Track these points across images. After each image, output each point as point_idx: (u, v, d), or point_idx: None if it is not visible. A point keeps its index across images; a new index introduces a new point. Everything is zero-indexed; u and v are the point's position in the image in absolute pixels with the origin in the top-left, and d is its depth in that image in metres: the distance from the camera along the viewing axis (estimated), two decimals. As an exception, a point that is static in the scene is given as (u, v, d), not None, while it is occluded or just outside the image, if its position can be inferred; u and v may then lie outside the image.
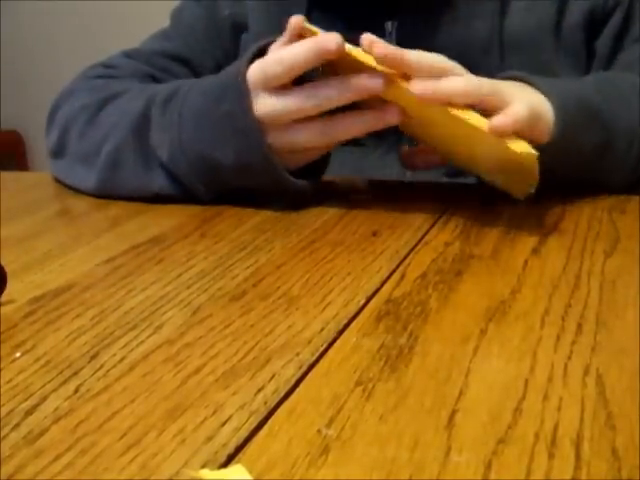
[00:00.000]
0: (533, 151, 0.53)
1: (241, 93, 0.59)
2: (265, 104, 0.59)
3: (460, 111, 0.54)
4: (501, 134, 0.53)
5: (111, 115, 0.68)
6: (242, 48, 0.83)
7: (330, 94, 0.58)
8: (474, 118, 0.54)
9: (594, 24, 0.75)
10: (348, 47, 0.56)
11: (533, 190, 0.57)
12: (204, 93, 0.63)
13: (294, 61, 0.58)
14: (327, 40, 0.56)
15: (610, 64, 0.75)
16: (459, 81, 0.55)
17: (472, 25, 0.75)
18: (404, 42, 0.75)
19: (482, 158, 0.61)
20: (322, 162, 0.66)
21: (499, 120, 0.53)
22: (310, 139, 0.60)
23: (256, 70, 0.60)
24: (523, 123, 0.54)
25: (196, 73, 0.83)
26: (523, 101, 0.56)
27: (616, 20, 0.75)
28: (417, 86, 0.54)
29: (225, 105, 0.60)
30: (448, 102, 0.54)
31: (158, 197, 0.67)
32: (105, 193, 0.70)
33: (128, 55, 0.84)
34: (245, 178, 0.63)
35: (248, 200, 0.64)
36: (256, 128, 0.59)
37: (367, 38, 0.55)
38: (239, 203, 0.65)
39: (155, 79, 0.81)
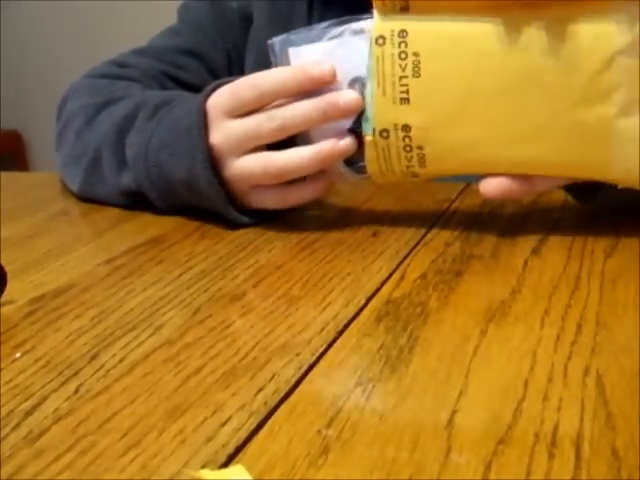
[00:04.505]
0: None
1: (199, 127, 0.57)
2: (225, 131, 0.56)
3: None
4: None
5: (106, 119, 0.68)
6: (250, 40, 0.83)
7: (297, 114, 0.54)
8: None
9: None
10: None
11: None
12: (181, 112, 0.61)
13: (269, 87, 0.54)
14: (310, 68, 0.53)
15: None
16: None
17: None
18: None
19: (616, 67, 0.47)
20: None
21: None
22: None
23: (226, 95, 0.56)
24: None
25: (209, 67, 0.83)
26: None
27: None
28: None
29: (185, 137, 0.58)
30: None
31: (128, 206, 0.66)
32: (86, 194, 0.69)
33: (139, 53, 0.83)
34: (195, 196, 0.60)
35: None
36: (207, 162, 0.56)
37: None
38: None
39: (168, 76, 0.81)
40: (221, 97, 0.57)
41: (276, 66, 0.57)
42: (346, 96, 0.53)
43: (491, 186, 0.52)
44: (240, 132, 0.56)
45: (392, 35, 0.50)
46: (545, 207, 0.62)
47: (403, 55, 0.50)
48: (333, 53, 0.54)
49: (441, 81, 0.51)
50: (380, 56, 0.51)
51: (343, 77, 0.54)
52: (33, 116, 2.61)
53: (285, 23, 0.82)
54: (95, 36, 2.42)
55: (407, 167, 0.54)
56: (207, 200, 0.59)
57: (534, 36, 0.48)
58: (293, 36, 0.56)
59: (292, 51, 0.55)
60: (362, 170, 0.56)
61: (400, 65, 0.51)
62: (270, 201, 0.59)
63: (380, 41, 0.51)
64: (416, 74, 0.51)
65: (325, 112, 0.54)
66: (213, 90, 0.58)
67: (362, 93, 0.53)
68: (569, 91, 0.49)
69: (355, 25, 0.54)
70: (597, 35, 0.47)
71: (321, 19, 0.81)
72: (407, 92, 0.51)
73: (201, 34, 0.84)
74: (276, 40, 0.56)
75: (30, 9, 2.52)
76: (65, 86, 0.80)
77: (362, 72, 0.53)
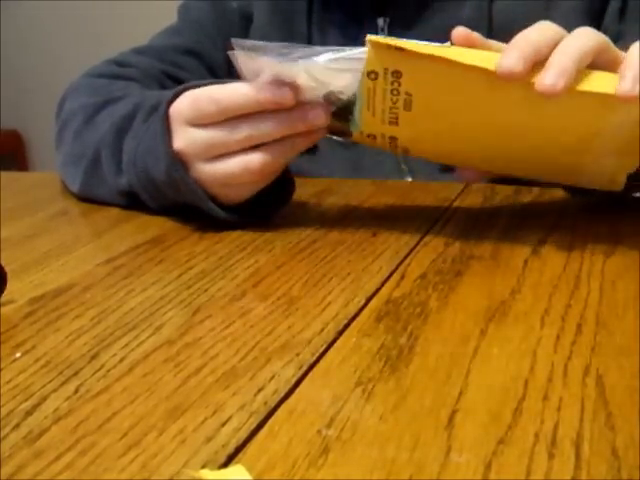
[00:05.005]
0: None
1: (162, 132, 0.56)
2: (188, 138, 0.55)
3: (582, 85, 0.47)
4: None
5: (105, 119, 0.68)
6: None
7: (263, 127, 0.54)
8: (598, 85, 0.47)
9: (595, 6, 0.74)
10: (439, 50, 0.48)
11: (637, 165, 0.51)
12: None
13: (230, 104, 0.53)
14: (273, 90, 0.52)
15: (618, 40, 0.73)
16: (573, 48, 0.47)
17: (461, 9, 0.75)
18: (396, 36, 0.76)
19: (600, 138, 0.50)
20: (289, 188, 0.61)
21: (627, 81, 0.45)
22: (234, 172, 0.55)
23: (185, 105, 0.56)
24: None
25: (209, 67, 0.83)
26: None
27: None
28: (546, 83, 0.45)
29: (158, 140, 0.58)
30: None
31: (128, 205, 0.65)
32: (86, 194, 0.69)
33: (139, 52, 0.83)
34: (178, 195, 0.59)
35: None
36: (178, 164, 0.56)
37: (462, 33, 0.48)
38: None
39: (168, 75, 0.81)
40: (182, 106, 0.56)
41: (241, 74, 0.55)
42: (314, 112, 0.53)
43: (469, 173, 0.58)
44: (204, 141, 0.55)
45: (385, 73, 0.50)
46: (545, 207, 0.62)
47: (395, 92, 0.50)
48: (309, 70, 0.52)
49: (431, 116, 0.52)
50: (371, 88, 0.51)
51: (317, 91, 0.53)
52: (33, 116, 2.61)
53: (285, 23, 0.82)
54: (95, 36, 2.41)
55: (391, 151, 0.57)
56: (189, 198, 0.58)
57: (525, 96, 0.48)
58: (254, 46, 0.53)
59: (267, 62, 0.53)
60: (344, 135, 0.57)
61: (392, 99, 0.51)
62: (237, 169, 0.56)
63: (372, 76, 0.50)
64: (407, 108, 0.51)
65: (292, 127, 0.54)
66: (176, 96, 0.57)
67: (339, 103, 0.53)
68: (554, 146, 0.52)
69: (323, 58, 0.51)
70: (588, 107, 0.48)
71: (321, 20, 0.81)
72: (396, 118, 0.52)
73: (201, 34, 0.84)
74: (238, 51, 0.54)
75: (30, 9, 2.52)
76: (65, 86, 0.80)
77: (338, 87, 0.52)
